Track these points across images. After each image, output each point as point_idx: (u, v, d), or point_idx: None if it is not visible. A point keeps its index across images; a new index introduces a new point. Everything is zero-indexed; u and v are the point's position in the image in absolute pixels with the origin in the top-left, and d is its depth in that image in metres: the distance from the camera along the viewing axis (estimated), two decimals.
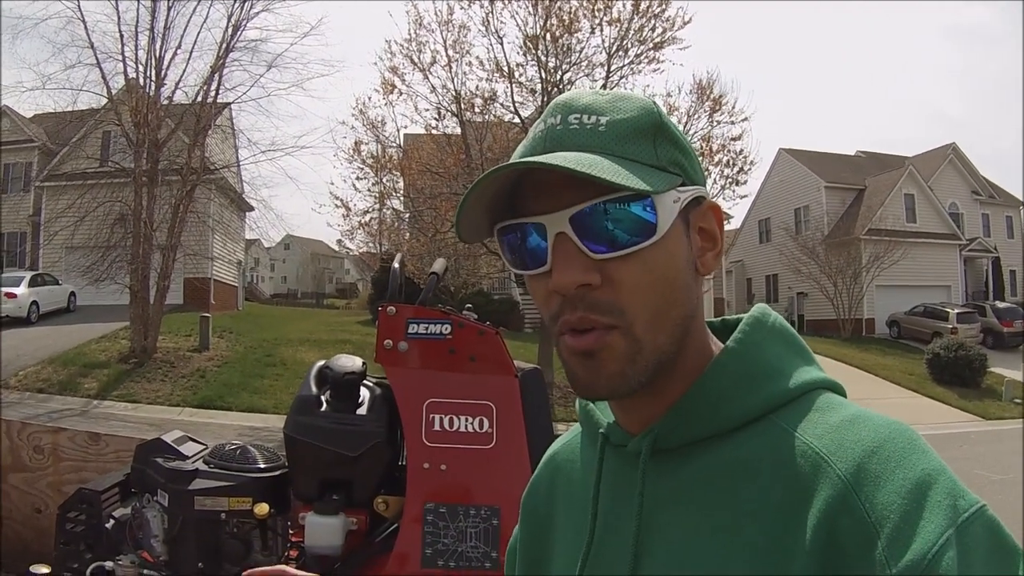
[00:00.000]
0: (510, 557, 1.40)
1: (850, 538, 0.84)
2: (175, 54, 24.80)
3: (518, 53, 21.79)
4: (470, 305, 4.83)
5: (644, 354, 0.99)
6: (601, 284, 0.97)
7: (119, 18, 23.89)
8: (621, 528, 1.06)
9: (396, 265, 4.56)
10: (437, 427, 4.14)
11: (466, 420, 4.14)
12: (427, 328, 4.24)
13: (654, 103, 1.05)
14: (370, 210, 24.63)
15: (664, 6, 21.21)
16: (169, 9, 24.43)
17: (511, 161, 0.98)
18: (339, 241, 30.00)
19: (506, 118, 21.79)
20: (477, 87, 21.89)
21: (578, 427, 1.31)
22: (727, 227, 44.74)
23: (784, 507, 0.91)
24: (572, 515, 1.20)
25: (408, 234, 24.99)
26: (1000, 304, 40.50)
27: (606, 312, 0.97)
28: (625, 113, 1.01)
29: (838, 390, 1.07)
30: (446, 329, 4.23)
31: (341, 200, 23.54)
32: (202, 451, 4.69)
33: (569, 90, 1.04)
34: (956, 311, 37.79)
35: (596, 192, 0.95)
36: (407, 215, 24.99)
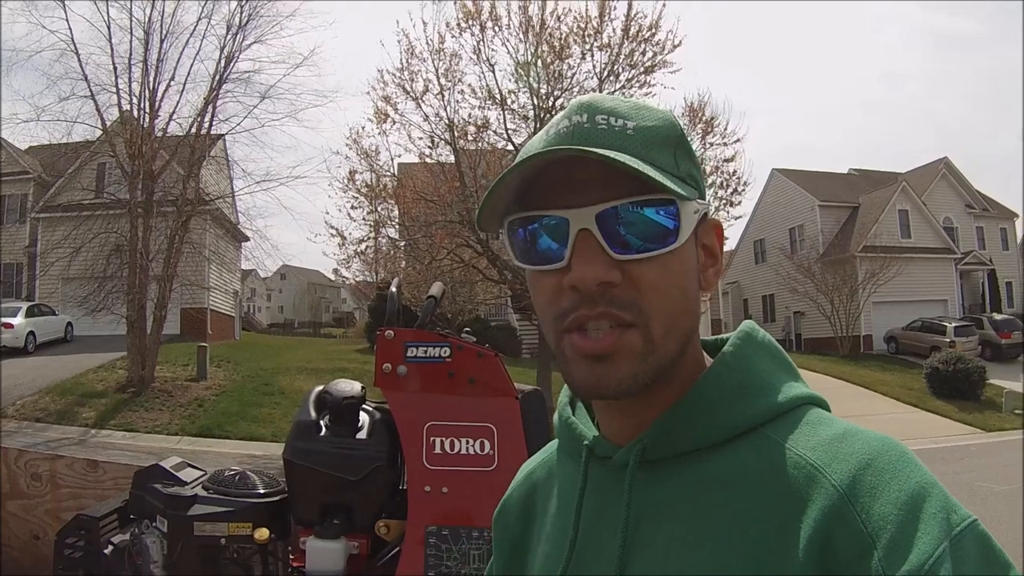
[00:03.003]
0: None
1: (846, 548, 0.84)
2: (169, 86, 24.90)
3: (510, 80, 21.84)
4: (468, 328, 4.82)
5: (655, 356, 0.98)
6: (621, 283, 0.96)
7: (112, 51, 23.99)
8: (604, 542, 1.05)
9: (393, 289, 4.56)
10: (438, 450, 4.13)
11: (467, 442, 4.13)
12: (426, 351, 4.23)
13: (674, 115, 1.05)
14: (365, 239, 24.63)
15: (654, 31, 21.29)
16: (162, 42, 24.53)
17: (552, 148, 0.96)
18: (335, 270, 30.09)
19: (499, 145, 21.78)
20: (470, 115, 21.91)
21: (552, 445, 1.30)
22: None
23: (777, 517, 0.91)
24: (550, 532, 1.18)
25: (404, 262, 25.04)
26: (997, 316, 40.55)
27: (627, 308, 0.96)
28: (650, 121, 1.01)
29: (824, 406, 1.07)
30: (445, 352, 4.23)
31: (336, 229, 23.55)
32: (201, 477, 4.68)
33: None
34: (953, 325, 37.84)
35: (622, 192, 0.96)
36: (402, 243, 25.00)
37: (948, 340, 35.77)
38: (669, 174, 0.97)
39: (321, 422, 4.40)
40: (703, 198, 1.05)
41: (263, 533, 4.24)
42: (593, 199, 0.97)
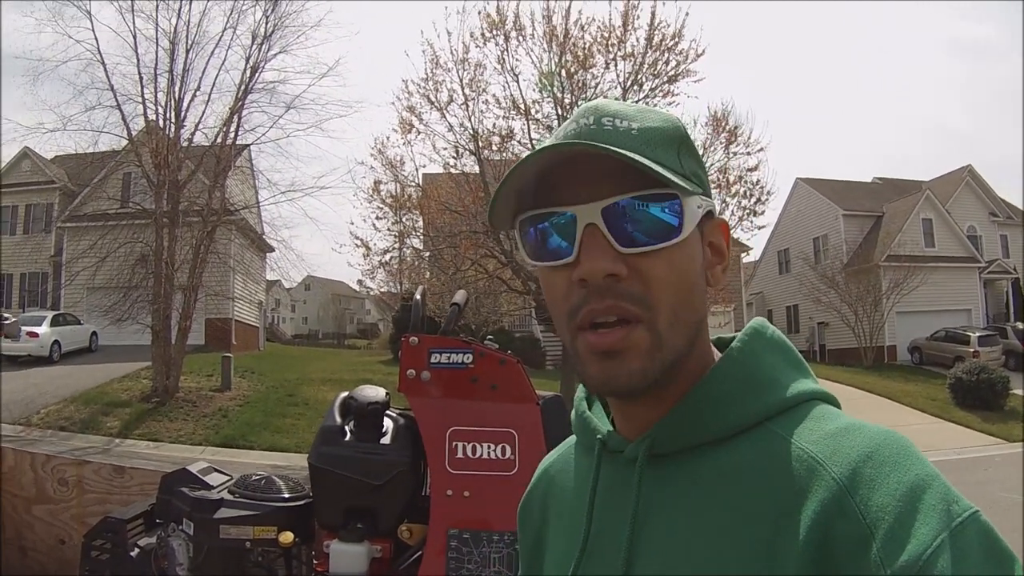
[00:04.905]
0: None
1: (845, 539, 0.85)
2: (194, 96, 24.98)
3: (534, 90, 21.90)
4: (491, 336, 4.85)
5: (664, 351, 1.01)
6: (628, 276, 0.99)
7: (138, 60, 24.11)
8: (614, 533, 1.07)
9: (418, 297, 4.61)
10: (460, 455, 4.17)
11: (489, 447, 4.16)
12: (449, 357, 4.27)
13: (678, 118, 1.09)
14: (390, 249, 24.72)
15: (677, 40, 21.31)
16: (188, 52, 24.64)
17: (559, 142, 1.01)
18: (360, 281, 30.11)
19: (523, 155, 21.75)
20: (494, 125, 21.97)
21: (570, 440, 1.32)
22: (746, 259, 45.04)
23: (778, 509, 0.92)
24: (564, 524, 1.21)
25: (428, 273, 25.04)
26: (1021, 326, 39.99)
27: (635, 302, 0.99)
28: (654, 122, 1.05)
29: (833, 402, 1.09)
30: (468, 358, 4.26)
31: (361, 240, 23.67)
32: (227, 481, 4.73)
33: None
34: (977, 334, 37.39)
35: (627, 188, 0.99)
36: (427, 254, 25.05)
37: (972, 350, 35.35)
38: (673, 171, 1.00)
39: (346, 427, 4.44)
40: (708, 196, 1.08)
41: (288, 537, 4.28)
42: (599, 195, 1.00)
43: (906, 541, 0.82)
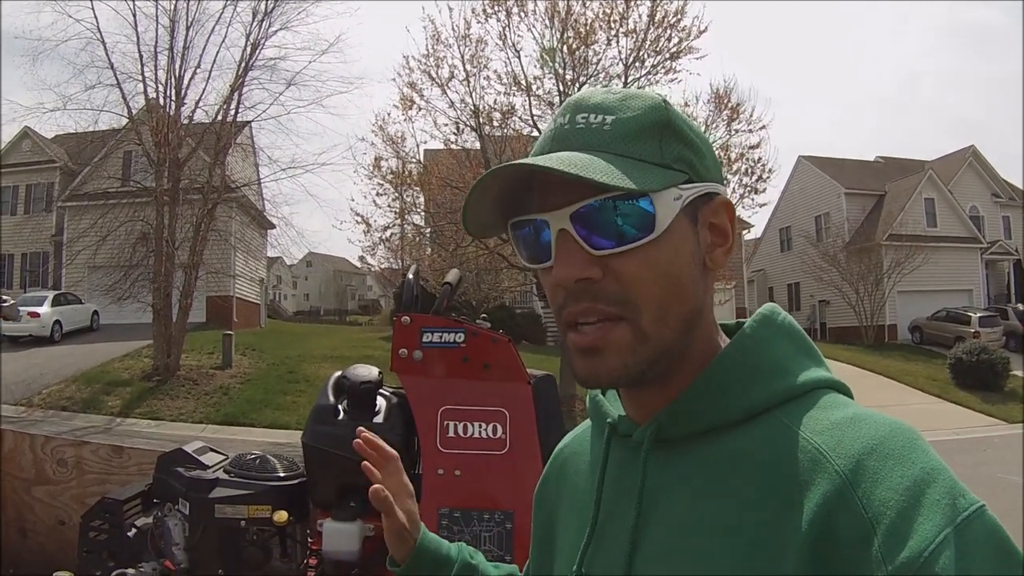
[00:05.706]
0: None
1: (846, 533, 0.84)
2: (194, 73, 24.91)
3: (535, 66, 21.90)
4: (484, 315, 4.86)
5: (648, 346, 1.02)
6: (603, 278, 1.00)
7: (138, 39, 24.04)
8: (622, 517, 1.08)
9: (410, 276, 4.63)
10: (451, 433, 4.18)
11: (480, 426, 4.18)
12: (441, 337, 4.28)
13: (664, 100, 1.08)
14: (391, 226, 24.79)
15: (680, 16, 21.25)
16: (188, 29, 24.56)
17: (514, 161, 1.00)
18: (361, 257, 30.09)
19: (524, 131, 21.80)
20: (495, 101, 22.01)
21: (587, 423, 1.33)
22: (748, 236, 44.95)
23: (781, 500, 0.92)
24: (576, 505, 1.23)
25: (429, 249, 25.06)
26: (1022, 307, 39.98)
27: (613, 302, 1.01)
28: (632, 111, 1.03)
29: (843, 390, 1.08)
30: (460, 337, 4.28)
31: (362, 216, 23.76)
32: (222, 461, 4.75)
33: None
34: (978, 315, 37.39)
35: (596, 190, 0.98)
36: (427, 230, 25.06)
37: (972, 330, 35.24)
38: (649, 163, 1.01)
39: (339, 406, 4.46)
40: (704, 180, 1.06)
41: (282, 515, 4.31)
42: (570, 200, 1.00)
43: (908, 537, 0.81)
